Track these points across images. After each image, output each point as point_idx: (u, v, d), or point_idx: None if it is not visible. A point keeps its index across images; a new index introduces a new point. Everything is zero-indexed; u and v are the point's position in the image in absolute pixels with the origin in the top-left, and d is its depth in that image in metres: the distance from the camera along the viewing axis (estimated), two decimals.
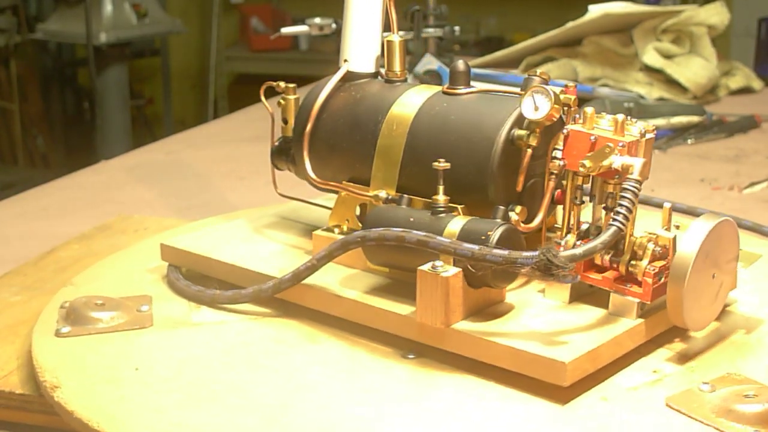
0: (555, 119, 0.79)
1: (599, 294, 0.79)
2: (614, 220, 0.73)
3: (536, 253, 0.69)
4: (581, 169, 0.76)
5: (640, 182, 0.75)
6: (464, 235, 0.75)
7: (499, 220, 0.77)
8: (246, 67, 4.63)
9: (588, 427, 0.68)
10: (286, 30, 1.53)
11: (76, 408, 0.72)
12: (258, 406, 0.71)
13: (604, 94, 1.76)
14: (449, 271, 0.75)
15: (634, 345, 0.76)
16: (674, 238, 0.77)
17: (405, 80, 0.91)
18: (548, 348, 0.72)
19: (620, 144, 0.76)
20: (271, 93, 0.95)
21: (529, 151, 0.80)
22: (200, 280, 0.91)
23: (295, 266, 0.86)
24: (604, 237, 0.73)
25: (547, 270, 0.69)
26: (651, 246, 0.77)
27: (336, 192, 0.90)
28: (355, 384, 0.74)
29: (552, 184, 0.80)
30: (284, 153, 0.96)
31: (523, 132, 0.79)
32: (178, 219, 1.23)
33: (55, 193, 1.44)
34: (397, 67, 0.91)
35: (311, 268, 0.82)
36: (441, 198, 0.79)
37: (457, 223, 0.77)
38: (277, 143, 0.97)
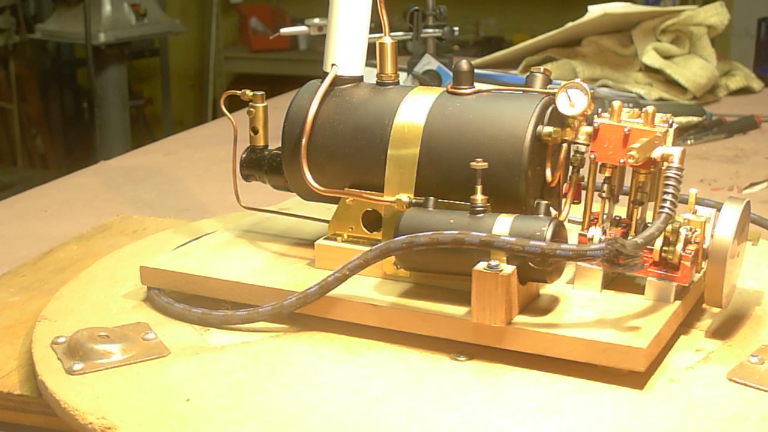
0: (589, 114, 0.80)
1: (620, 281, 0.82)
2: (663, 207, 0.76)
3: (604, 244, 0.71)
4: (630, 160, 0.77)
5: (681, 170, 0.77)
6: (515, 234, 0.76)
7: (543, 216, 0.79)
8: (245, 67, 4.63)
9: (678, 408, 0.70)
10: (285, 30, 1.52)
11: None
12: (345, 424, 0.69)
13: (603, 95, 1.76)
14: (507, 269, 0.75)
15: (676, 326, 0.79)
16: (704, 222, 0.80)
17: (397, 82, 0.90)
18: (621, 335, 0.74)
19: (656, 134, 0.79)
20: (237, 104, 0.93)
21: (565, 146, 0.82)
22: (184, 302, 0.86)
23: (300, 278, 0.84)
24: (658, 224, 0.75)
25: (615, 260, 0.71)
26: (683, 231, 0.79)
27: (335, 200, 0.88)
28: (429, 391, 0.73)
29: (575, 177, 0.83)
30: (256, 163, 0.94)
31: (551, 128, 0.81)
32: (176, 219, 1.22)
33: (54, 194, 1.43)
34: (389, 69, 0.90)
35: (341, 279, 0.80)
36: (479, 198, 0.79)
37: (504, 222, 0.77)
38: (245, 154, 0.95)
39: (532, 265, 0.75)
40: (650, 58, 1.90)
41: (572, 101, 0.80)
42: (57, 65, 4.29)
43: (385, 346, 0.80)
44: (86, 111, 4.27)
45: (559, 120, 0.82)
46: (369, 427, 0.68)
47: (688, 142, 1.63)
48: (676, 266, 0.79)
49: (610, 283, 0.83)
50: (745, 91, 2.02)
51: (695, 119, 1.68)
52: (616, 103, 0.81)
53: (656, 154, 0.78)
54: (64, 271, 1.04)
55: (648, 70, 1.92)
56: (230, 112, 0.95)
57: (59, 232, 1.22)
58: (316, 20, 1.52)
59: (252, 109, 0.93)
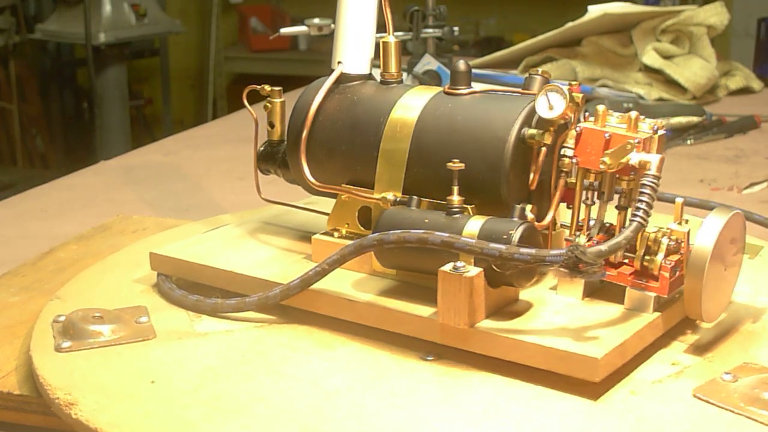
0: (569, 118, 0.79)
1: (609, 289, 0.80)
2: (635, 215, 0.74)
3: (564, 250, 0.70)
4: (601, 166, 0.76)
5: (658, 178, 0.76)
6: (484, 235, 0.75)
7: (517, 219, 0.78)
8: (245, 67, 4.62)
9: (627, 421, 0.69)
10: (285, 30, 1.53)
11: (100, 425, 0.70)
12: (290, 415, 0.70)
13: (603, 95, 1.76)
14: (472, 271, 0.75)
15: (653, 338, 0.78)
16: (688, 233, 0.78)
17: (401, 81, 0.91)
18: (578, 344, 0.73)
19: (635, 141, 0.77)
20: (256, 98, 0.94)
21: (544, 149, 0.80)
22: (191, 289, 0.89)
23: (294, 271, 0.85)
24: (627, 232, 0.73)
25: (575, 267, 0.69)
26: (665, 241, 0.78)
27: (334, 195, 0.89)
28: (383, 389, 0.73)
29: (562, 182, 0.81)
30: (271, 157, 0.95)
31: (534, 131, 0.80)
32: (176, 219, 1.23)
33: (54, 194, 1.44)
34: (393, 68, 0.90)
35: (321, 273, 0.81)
36: (455, 199, 0.79)
37: (475, 224, 0.77)
38: (262, 147, 0.96)
39: (494, 268, 0.75)
40: (650, 58, 1.90)
41: (551, 104, 0.79)
42: (57, 65, 4.29)
43: (358, 342, 0.81)
44: (86, 111, 4.27)
45: (548, 123, 0.81)
46: (309, 419, 0.69)
47: (688, 142, 1.64)
48: (657, 276, 0.77)
49: (597, 290, 0.81)
50: (745, 91, 2.02)
51: (695, 119, 1.68)
52: (601, 107, 0.80)
53: (634, 160, 0.77)
54: (64, 271, 1.04)
55: (648, 70, 1.92)
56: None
57: (59, 232, 1.22)
58: (316, 20, 1.52)
59: (269, 104, 0.94)
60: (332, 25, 1.51)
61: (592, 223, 0.82)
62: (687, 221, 0.80)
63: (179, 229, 1.09)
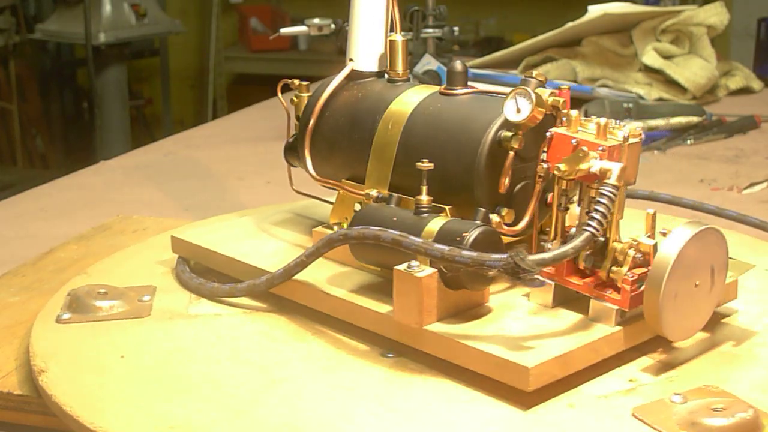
0: (537, 121, 0.78)
1: (585, 299, 0.77)
2: (588, 224, 0.72)
3: (505, 255, 0.69)
4: (556, 172, 0.75)
5: (617, 187, 0.74)
6: (441, 236, 0.75)
7: (477, 222, 0.76)
8: (245, 67, 4.63)
9: None
10: (285, 30, 1.53)
11: (55, 392, 0.73)
12: (229, 399, 0.72)
13: (603, 95, 1.76)
14: (424, 271, 0.74)
15: (611, 352, 0.75)
16: (655, 245, 0.75)
17: (408, 80, 0.91)
18: (515, 352, 0.71)
19: (600, 148, 0.75)
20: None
21: (511, 153, 0.79)
22: (207, 273, 0.92)
23: (288, 261, 0.86)
24: (576, 242, 0.71)
25: (514, 273, 0.68)
26: (632, 252, 0.75)
27: (334, 190, 0.91)
28: (329, 381, 0.74)
29: (539, 187, 0.80)
30: (295, 149, 0.96)
31: (509, 134, 0.79)
32: (177, 219, 1.23)
33: (54, 194, 1.44)
34: (399, 66, 0.91)
35: (301, 264, 0.82)
36: (424, 198, 0.79)
37: (436, 224, 0.77)
38: (290, 140, 0.97)
39: (443, 269, 0.74)
40: (650, 58, 1.90)
41: (519, 107, 0.77)
42: (57, 65, 4.29)
43: (330, 334, 0.82)
44: (86, 111, 4.27)
45: (517, 127, 0.79)
46: (244, 405, 0.71)
47: (688, 142, 1.64)
48: (620, 289, 0.75)
49: (572, 300, 0.78)
50: (745, 91, 2.02)
51: (695, 119, 1.68)
52: (574, 113, 0.78)
53: (596, 168, 0.74)
54: (64, 271, 1.04)
55: (648, 70, 1.92)
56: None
57: (59, 232, 1.22)
58: (316, 20, 1.52)
59: (296, 98, 0.96)
60: (332, 26, 1.52)
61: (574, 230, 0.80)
62: (665, 234, 0.75)
63: (219, 218, 1.11)
